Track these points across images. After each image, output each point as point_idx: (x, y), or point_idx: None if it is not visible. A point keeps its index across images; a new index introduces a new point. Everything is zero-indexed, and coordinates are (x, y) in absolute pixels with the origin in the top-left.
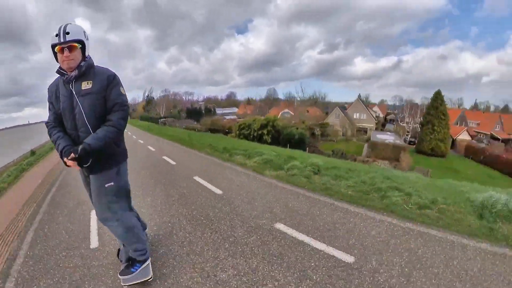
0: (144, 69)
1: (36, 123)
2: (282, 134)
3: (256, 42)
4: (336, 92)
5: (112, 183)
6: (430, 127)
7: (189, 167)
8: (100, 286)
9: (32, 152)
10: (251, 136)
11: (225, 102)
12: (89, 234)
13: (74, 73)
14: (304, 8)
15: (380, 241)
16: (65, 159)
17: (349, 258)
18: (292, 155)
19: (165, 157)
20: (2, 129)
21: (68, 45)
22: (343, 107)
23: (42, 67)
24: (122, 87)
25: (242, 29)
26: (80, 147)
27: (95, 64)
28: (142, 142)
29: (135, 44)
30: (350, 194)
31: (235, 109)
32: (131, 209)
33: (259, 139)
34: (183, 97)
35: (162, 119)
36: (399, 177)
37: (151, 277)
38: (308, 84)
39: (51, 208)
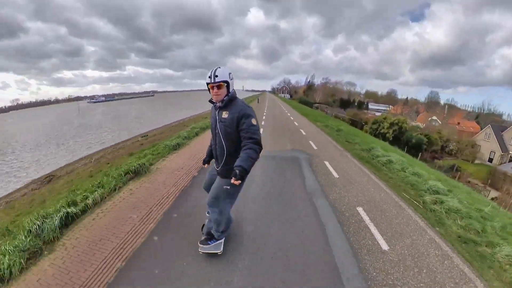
0: (310, 55)
1: None
2: (404, 135)
3: (434, 32)
4: None
5: (228, 187)
6: None
7: (299, 122)
8: None
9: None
10: (377, 132)
11: (384, 98)
12: None
13: (219, 104)
14: None
15: (325, 142)
16: (232, 180)
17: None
18: (340, 126)
19: (290, 116)
20: (192, 90)
21: (216, 84)
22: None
23: (223, 48)
24: (254, 118)
25: (417, 16)
26: (237, 171)
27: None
28: (283, 107)
29: (303, 30)
30: (344, 142)
31: (389, 107)
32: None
33: (384, 136)
34: (344, 87)
35: (316, 104)
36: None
37: (220, 252)
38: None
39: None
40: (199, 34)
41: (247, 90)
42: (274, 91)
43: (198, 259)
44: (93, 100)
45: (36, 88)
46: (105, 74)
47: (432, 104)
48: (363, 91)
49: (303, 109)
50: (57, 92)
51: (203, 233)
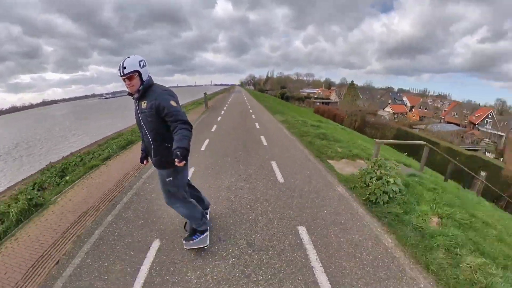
0: (280, 47)
1: (183, 86)
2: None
3: (402, 23)
4: (493, 94)
5: (171, 178)
6: None
7: (246, 95)
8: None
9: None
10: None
11: (323, 83)
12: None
13: (136, 95)
14: None
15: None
16: (177, 162)
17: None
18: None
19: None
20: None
21: (127, 76)
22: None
23: (191, 41)
24: (173, 100)
25: (387, 7)
26: (177, 153)
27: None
28: (244, 95)
29: (272, 22)
30: (255, 95)
31: (316, 90)
32: (194, 191)
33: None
34: (304, 78)
35: (266, 90)
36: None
37: (207, 245)
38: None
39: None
40: (165, 28)
41: (215, 85)
42: (242, 85)
43: None
44: (103, 97)
45: None
46: (66, 76)
47: (342, 85)
48: (322, 79)
49: (253, 92)
50: (15, 99)
51: (186, 231)
